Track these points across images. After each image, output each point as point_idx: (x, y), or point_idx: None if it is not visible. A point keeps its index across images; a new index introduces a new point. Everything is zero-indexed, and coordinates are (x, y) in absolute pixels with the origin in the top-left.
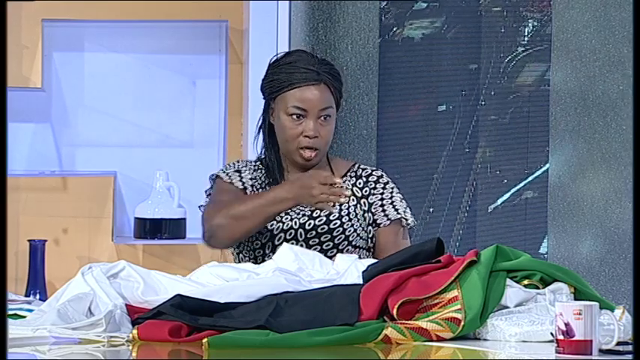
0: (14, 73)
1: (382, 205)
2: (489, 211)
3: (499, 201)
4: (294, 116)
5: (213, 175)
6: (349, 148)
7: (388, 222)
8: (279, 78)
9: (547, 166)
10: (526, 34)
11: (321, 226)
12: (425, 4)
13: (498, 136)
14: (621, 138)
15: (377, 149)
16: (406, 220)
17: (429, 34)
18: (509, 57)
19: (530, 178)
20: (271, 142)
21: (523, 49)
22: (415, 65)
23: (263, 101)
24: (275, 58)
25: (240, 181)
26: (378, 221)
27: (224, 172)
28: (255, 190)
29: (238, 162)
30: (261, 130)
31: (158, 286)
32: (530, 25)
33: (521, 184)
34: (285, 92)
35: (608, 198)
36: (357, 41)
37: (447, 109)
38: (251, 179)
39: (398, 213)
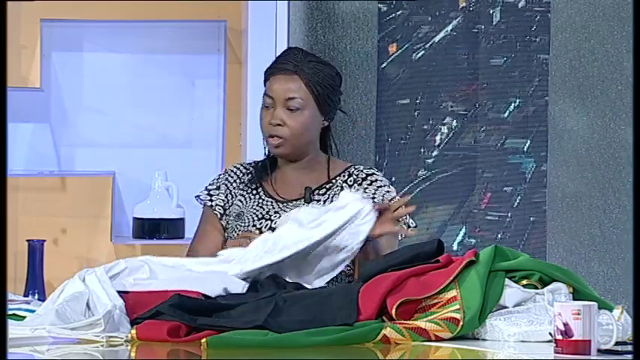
0: (13, 73)
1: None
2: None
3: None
4: (266, 106)
5: (197, 196)
6: (348, 148)
7: None
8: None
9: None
10: (437, 143)
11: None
12: None
13: None
14: (620, 138)
15: (376, 149)
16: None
17: None
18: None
19: None
20: None
21: (437, 153)
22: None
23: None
24: None
25: (220, 202)
26: None
27: (207, 192)
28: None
29: (227, 172)
30: None
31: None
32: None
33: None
34: (265, 84)
35: (607, 198)
36: (355, 41)
37: None
38: (237, 190)
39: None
